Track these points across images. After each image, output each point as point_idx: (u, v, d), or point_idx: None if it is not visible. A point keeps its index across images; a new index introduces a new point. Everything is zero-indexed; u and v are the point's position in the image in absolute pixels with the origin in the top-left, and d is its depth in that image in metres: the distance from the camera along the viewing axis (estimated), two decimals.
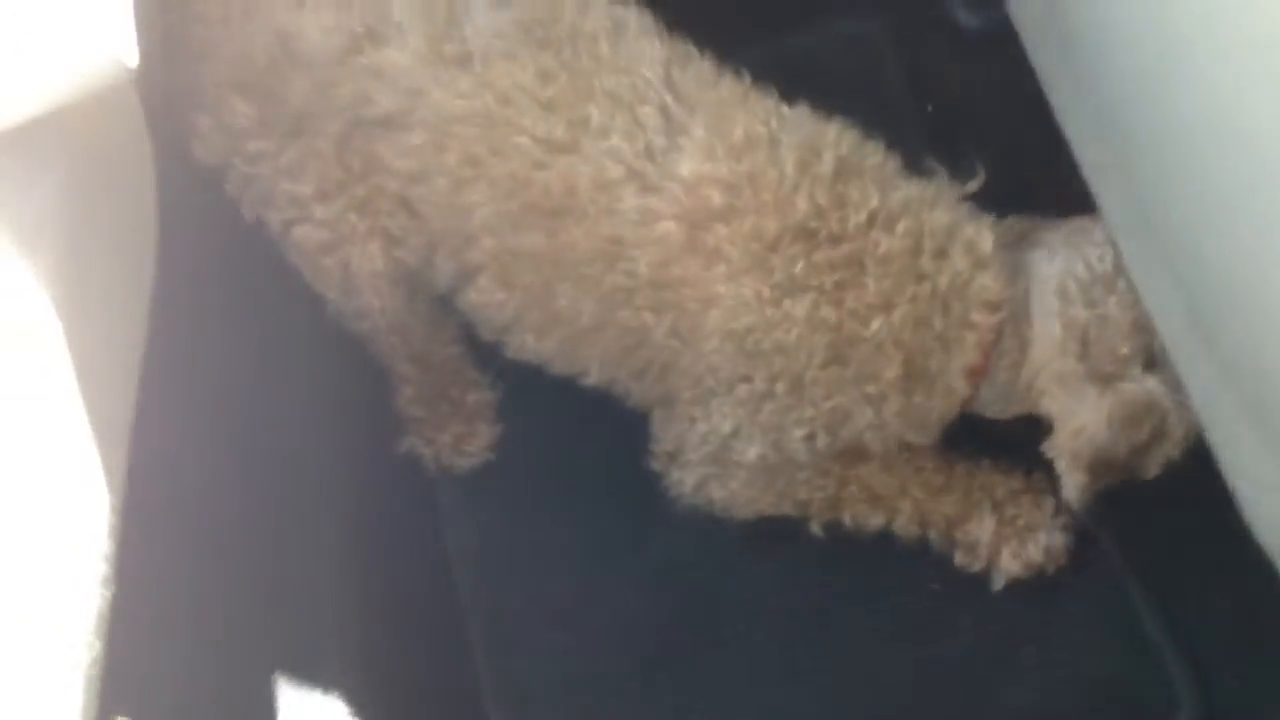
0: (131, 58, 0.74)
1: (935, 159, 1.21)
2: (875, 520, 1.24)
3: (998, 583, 1.23)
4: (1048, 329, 1.14)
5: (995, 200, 1.20)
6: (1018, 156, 1.30)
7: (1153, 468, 1.16)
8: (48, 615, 0.75)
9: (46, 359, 0.75)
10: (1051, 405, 1.16)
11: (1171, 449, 1.14)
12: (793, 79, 1.24)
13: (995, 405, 1.19)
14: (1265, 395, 0.91)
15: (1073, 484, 1.16)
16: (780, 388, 1.13)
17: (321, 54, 1.11)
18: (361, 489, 1.31)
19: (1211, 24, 0.84)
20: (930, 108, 1.46)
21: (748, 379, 1.13)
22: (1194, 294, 0.97)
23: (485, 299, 1.17)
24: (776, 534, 1.25)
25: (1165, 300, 1.05)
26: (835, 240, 1.11)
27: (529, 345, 1.20)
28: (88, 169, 0.83)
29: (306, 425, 1.31)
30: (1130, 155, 1.02)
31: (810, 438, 1.16)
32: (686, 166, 1.09)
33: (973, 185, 1.20)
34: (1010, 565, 1.22)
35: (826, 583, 1.26)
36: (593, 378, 1.21)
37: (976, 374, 1.15)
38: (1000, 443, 1.23)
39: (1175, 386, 1.09)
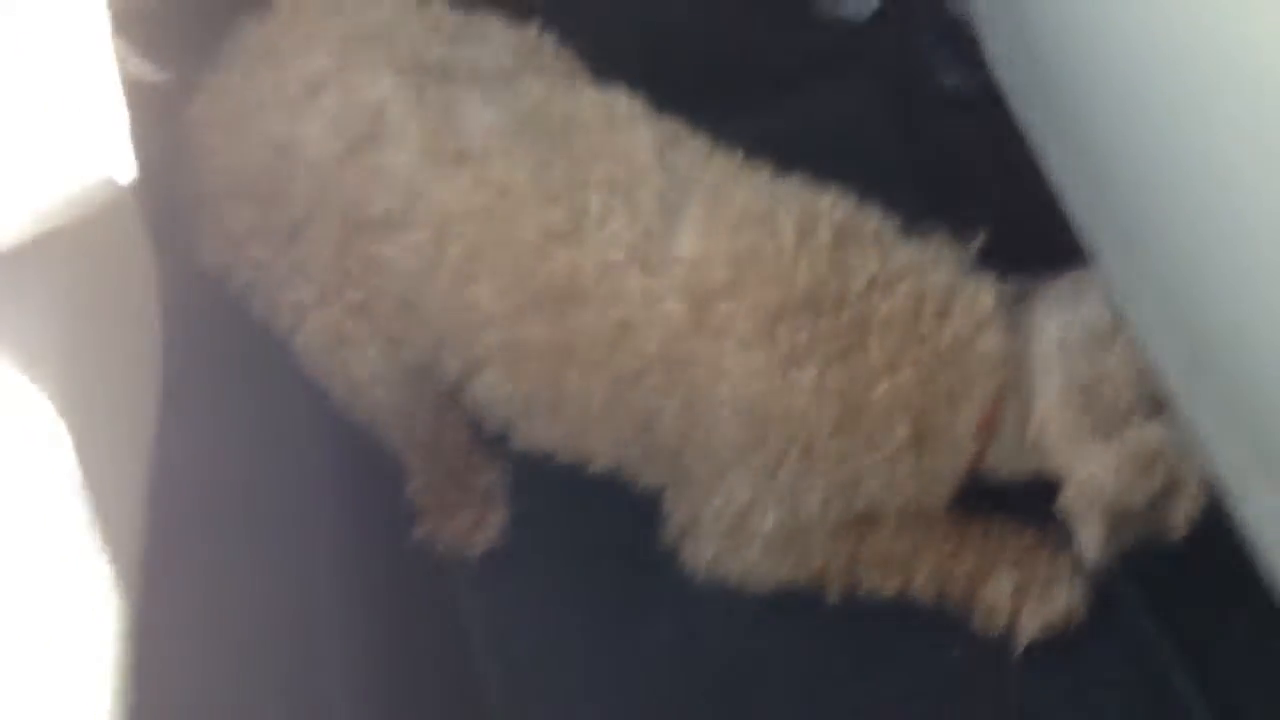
0: (127, 175, 0.75)
1: (933, 220, 1.22)
2: (891, 585, 1.22)
3: (1020, 644, 1.21)
4: (1050, 384, 1.13)
5: (990, 258, 1.20)
6: (1011, 214, 1.30)
7: (1176, 525, 1.14)
8: None
9: (51, 474, 0.75)
10: (1059, 461, 1.15)
11: (1190, 503, 1.12)
12: (784, 148, 1.24)
13: (1006, 464, 1.19)
14: (1271, 439, 0.91)
15: (1088, 539, 1.14)
16: (793, 455, 1.13)
17: (320, 158, 1.12)
18: (374, 578, 1.30)
19: (1187, 81, 0.86)
20: (921, 169, 1.47)
21: (761, 448, 1.13)
22: (1196, 342, 0.97)
23: (492, 392, 1.17)
24: (793, 604, 1.23)
25: (1167, 350, 1.04)
26: (838, 307, 1.11)
27: (538, 433, 1.20)
28: (89, 282, 0.84)
29: (318, 520, 1.31)
30: (1122, 208, 1.03)
31: (826, 503, 1.16)
32: (686, 246, 1.10)
33: (972, 245, 1.20)
34: (1030, 625, 1.21)
35: (846, 652, 1.24)
36: (602, 462, 1.21)
37: (985, 431, 1.15)
38: (1014, 501, 1.21)
39: (1182, 435, 1.08)
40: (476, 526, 1.31)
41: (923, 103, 1.52)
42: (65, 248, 0.78)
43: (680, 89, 1.25)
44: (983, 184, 1.42)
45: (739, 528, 1.19)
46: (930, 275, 1.14)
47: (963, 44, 1.26)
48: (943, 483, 1.18)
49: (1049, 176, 1.15)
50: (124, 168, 0.75)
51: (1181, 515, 1.14)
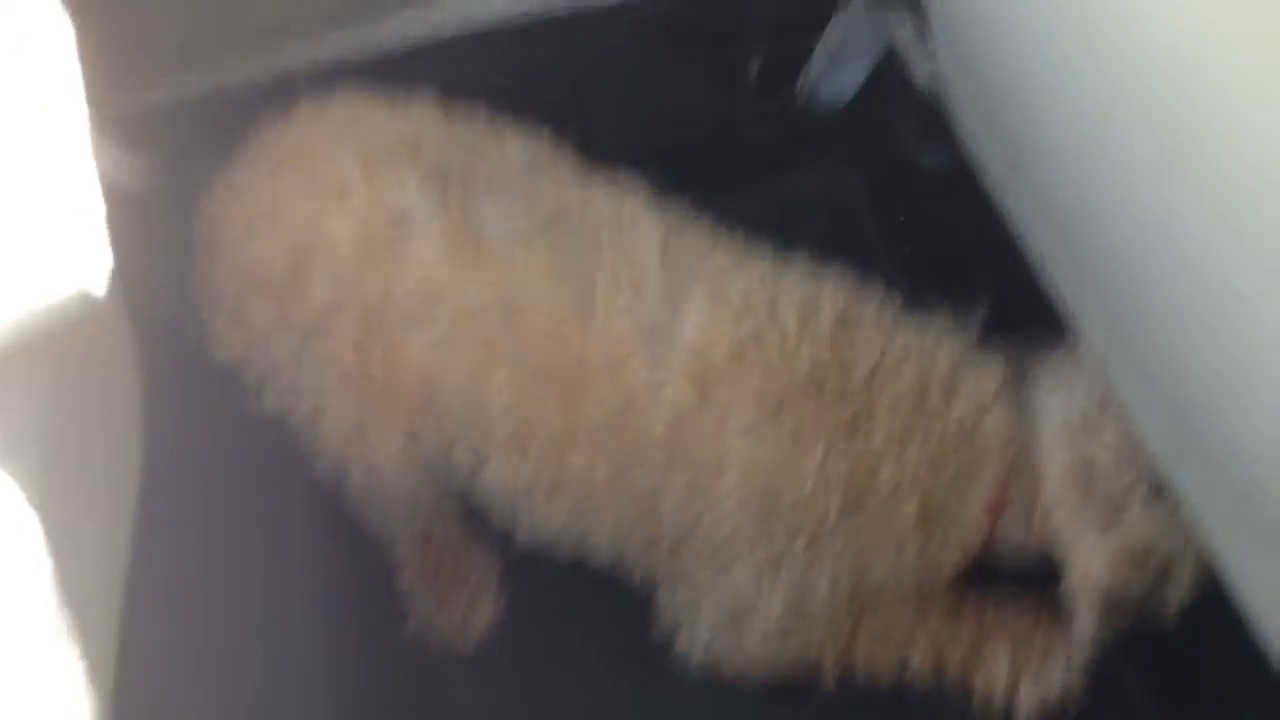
0: (104, 279, 0.75)
1: (921, 300, 1.23)
2: (888, 667, 1.21)
3: None
4: (1056, 465, 1.13)
5: (981, 332, 1.20)
6: (998, 289, 1.31)
7: (1169, 609, 1.13)
8: None
9: (29, 571, 0.75)
10: (1062, 548, 1.14)
11: (1181, 589, 1.12)
12: (766, 231, 1.25)
13: (1015, 541, 1.18)
14: (1267, 514, 0.90)
15: (1082, 627, 1.13)
16: (799, 544, 1.12)
17: (343, 256, 1.13)
18: (363, 673, 1.27)
19: (1152, 153, 0.87)
20: (907, 250, 1.49)
21: (768, 538, 1.12)
22: (1180, 414, 0.97)
23: (498, 478, 1.17)
24: (788, 693, 1.21)
25: (1156, 425, 1.04)
26: (842, 392, 1.11)
27: (540, 517, 1.18)
28: (69, 384, 0.83)
29: (305, 616, 1.28)
30: (1101, 287, 1.03)
31: (833, 590, 1.15)
32: (689, 334, 1.11)
33: (971, 323, 1.21)
34: (1028, 704, 1.19)
35: None
36: (603, 553, 1.19)
37: (995, 511, 1.15)
38: (1010, 576, 1.20)
39: (1177, 516, 1.08)
40: (469, 618, 1.30)
41: (903, 183, 1.53)
42: (46, 348, 0.78)
43: (663, 173, 1.26)
44: (969, 261, 1.43)
45: (741, 619, 1.17)
46: (933, 357, 1.15)
47: (939, 124, 1.27)
48: (951, 564, 1.17)
49: (1030, 253, 1.16)
50: (102, 269, 0.75)
51: (1174, 601, 1.13)
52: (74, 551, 0.80)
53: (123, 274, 0.90)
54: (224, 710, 1.14)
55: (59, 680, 0.73)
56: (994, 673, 1.20)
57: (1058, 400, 1.15)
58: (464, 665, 1.29)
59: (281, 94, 1.28)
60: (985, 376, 1.15)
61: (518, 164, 1.22)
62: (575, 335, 1.11)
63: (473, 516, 1.29)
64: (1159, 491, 1.11)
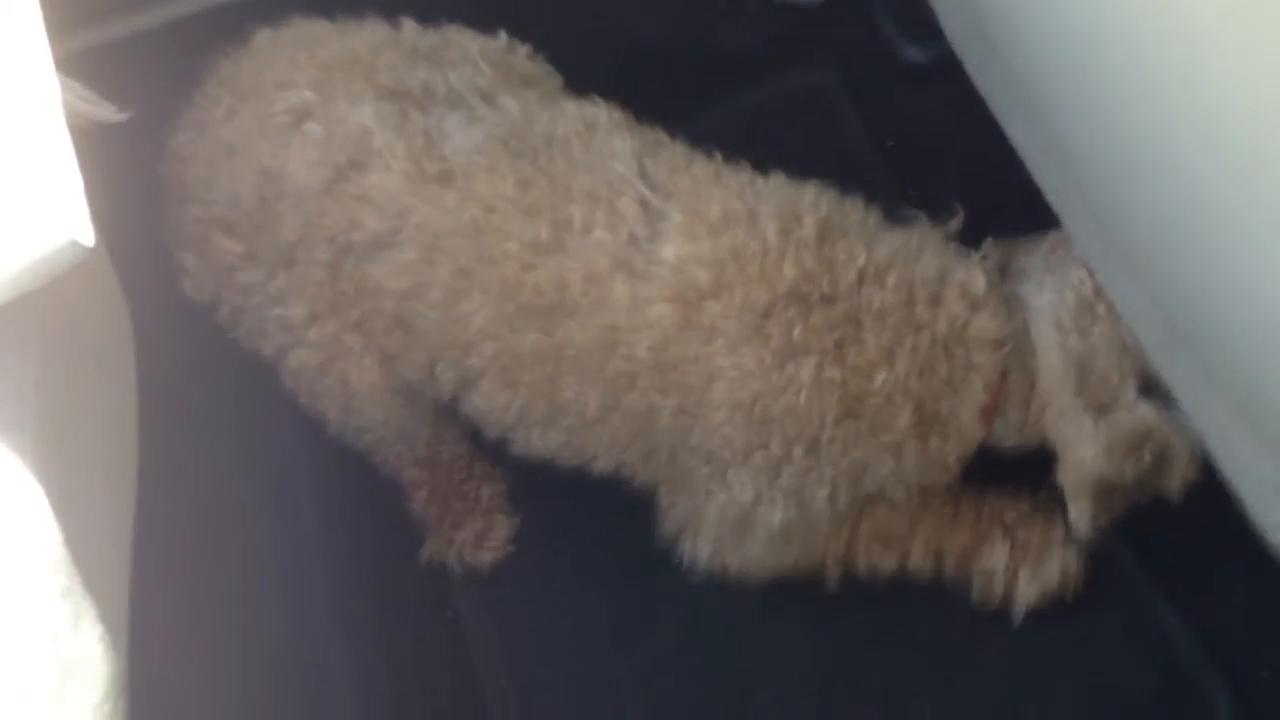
0: (88, 236, 0.74)
1: (909, 200, 1.20)
2: (889, 564, 1.22)
3: (1018, 615, 1.21)
4: (1049, 361, 1.13)
5: (966, 227, 1.20)
6: (982, 181, 1.30)
7: (1174, 489, 1.14)
8: None
9: (36, 534, 0.75)
10: (1054, 437, 1.15)
11: (1185, 470, 1.12)
12: (752, 138, 1.23)
13: (1010, 440, 1.18)
14: (1254, 401, 0.91)
15: (1079, 513, 1.15)
16: (797, 451, 1.12)
17: (308, 187, 1.11)
18: (380, 602, 1.29)
19: (1141, 54, 0.86)
20: (890, 144, 1.47)
21: (763, 446, 1.12)
22: (1169, 307, 0.97)
23: (489, 403, 1.16)
24: (793, 592, 1.22)
25: (1144, 316, 1.04)
26: (828, 301, 1.10)
27: (535, 440, 1.18)
28: (62, 342, 0.82)
29: (318, 547, 1.29)
30: (1083, 177, 1.02)
31: (833, 495, 1.15)
32: (670, 250, 1.09)
33: (954, 225, 1.19)
34: (1027, 593, 1.21)
35: (850, 635, 1.25)
36: (601, 465, 1.19)
37: (990, 413, 1.14)
38: (1006, 468, 1.20)
39: (1170, 404, 1.09)
40: (484, 535, 1.31)
41: (885, 78, 1.51)
42: (33, 309, 0.78)
43: (643, 83, 1.24)
44: (952, 154, 1.42)
45: (742, 524, 1.18)
46: (919, 263, 1.13)
47: (919, 17, 1.25)
48: (951, 464, 1.17)
49: (1014, 145, 1.15)
50: (83, 225, 0.74)
51: (1177, 482, 1.14)
52: (80, 512, 0.80)
53: (98, 215, 0.89)
54: (240, 654, 1.16)
55: (76, 641, 0.74)
56: (992, 563, 1.21)
57: (1047, 298, 1.15)
58: (476, 584, 1.30)
59: (236, 21, 1.25)
60: (972, 278, 1.14)
61: (478, 77, 1.19)
62: (552, 258, 1.09)
63: (475, 438, 1.29)
64: (1151, 383, 1.12)
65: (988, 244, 1.21)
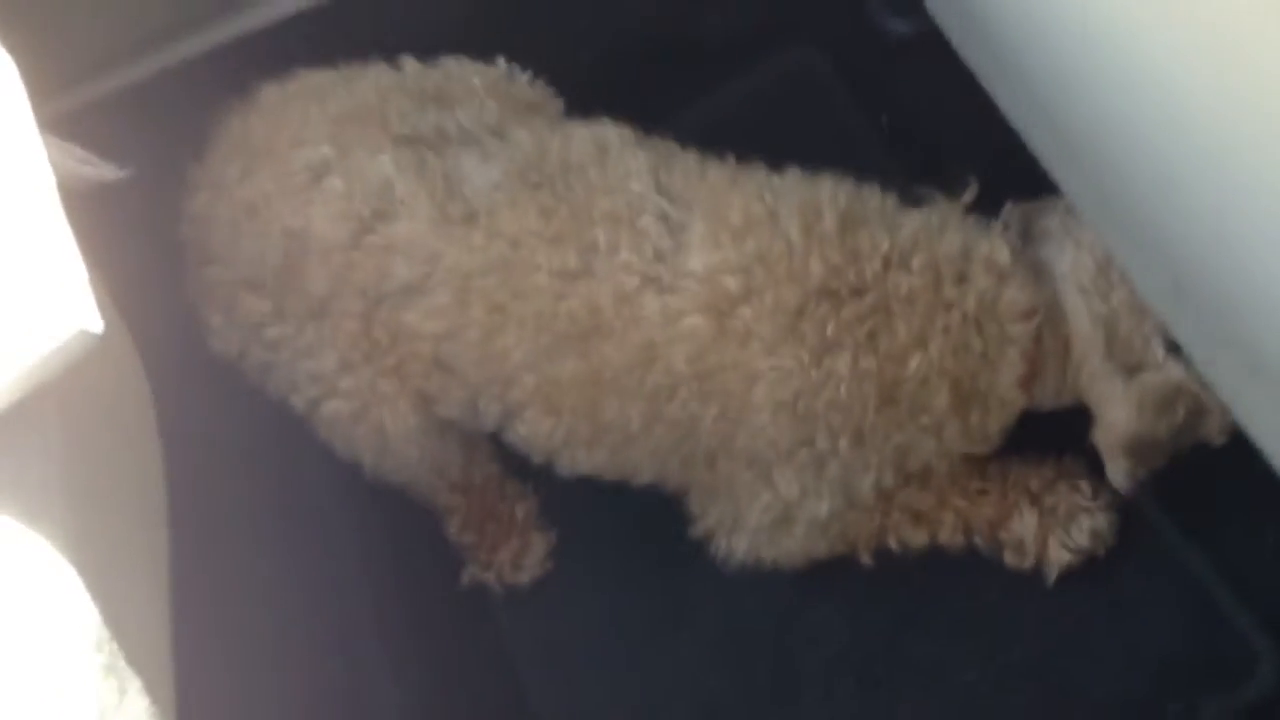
0: (96, 324, 0.75)
1: (912, 175, 1.20)
2: (920, 539, 1.22)
3: (1051, 576, 1.21)
4: (1080, 325, 1.14)
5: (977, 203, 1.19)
6: (983, 148, 1.29)
7: (1214, 437, 1.15)
8: None
9: (74, 616, 0.77)
10: (1090, 399, 1.16)
11: (1223, 417, 1.12)
12: (748, 126, 1.23)
13: (1049, 403, 1.18)
14: (1267, 355, 0.91)
15: (1118, 471, 1.15)
16: (843, 443, 1.12)
17: (334, 242, 1.12)
18: (424, 628, 1.30)
19: (1115, 17, 0.85)
20: (885, 118, 1.46)
21: (808, 443, 1.12)
22: (1175, 265, 0.97)
23: (534, 430, 1.16)
24: (828, 576, 1.23)
25: (1150, 276, 1.04)
26: (857, 293, 1.10)
27: (581, 460, 1.19)
28: (82, 420, 0.83)
29: (359, 587, 1.30)
30: (1076, 141, 1.02)
31: (878, 481, 1.16)
32: (696, 261, 1.10)
33: (968, 197, 1.18)
34: (1059, 555, 1.21)
35: (886, 613, 1.25)
36: (643, 479, 1.20)
37: (1028, 382, 1.14)
38: (1029, 434, 1.21)
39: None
40: (521, 554, 1.31)
41: (874, 53, 1.48)
42: (50, 394, 0.79)
43: (631, 79, 1.24)
44: (948, 124, 1.40)
45: (785, 521, 1.18)
46: (941, 242, 1.13)
47: None
48: (994, 435, 1.18)
49: (1006, 114, 1.14)
50: (90, 313, 0.75)
51: (1216, 429, 1.14)
52: (116, 587, 0.81)
53: (107, 280, 0.90)
54: (288, 695, 1.17)
55: (122, 716, 0.76)
56: (1022, 529, 1.21)
57: (1068, 260, 1.15)
58: (514, 598, 1.31)
59: (231, 69, 1.26)
60: (996, 251, 1.14)
61: (485, 113, 1.20)
62: (581, 284, 1.10)
63: (503, 457, 1.30)
64: (1175, 343, 1.12)
65: (1008, 209, 1.20)
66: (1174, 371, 1.11)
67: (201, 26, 1.34)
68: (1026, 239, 1.18)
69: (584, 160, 1.15)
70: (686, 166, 1.16)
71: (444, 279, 1.12)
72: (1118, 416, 1.13)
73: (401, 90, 1.20)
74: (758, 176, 1.16)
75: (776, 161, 1.19)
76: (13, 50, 0.86)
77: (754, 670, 1.26)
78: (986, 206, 1.20)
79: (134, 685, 0.79)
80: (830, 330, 1.09)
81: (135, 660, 0.79)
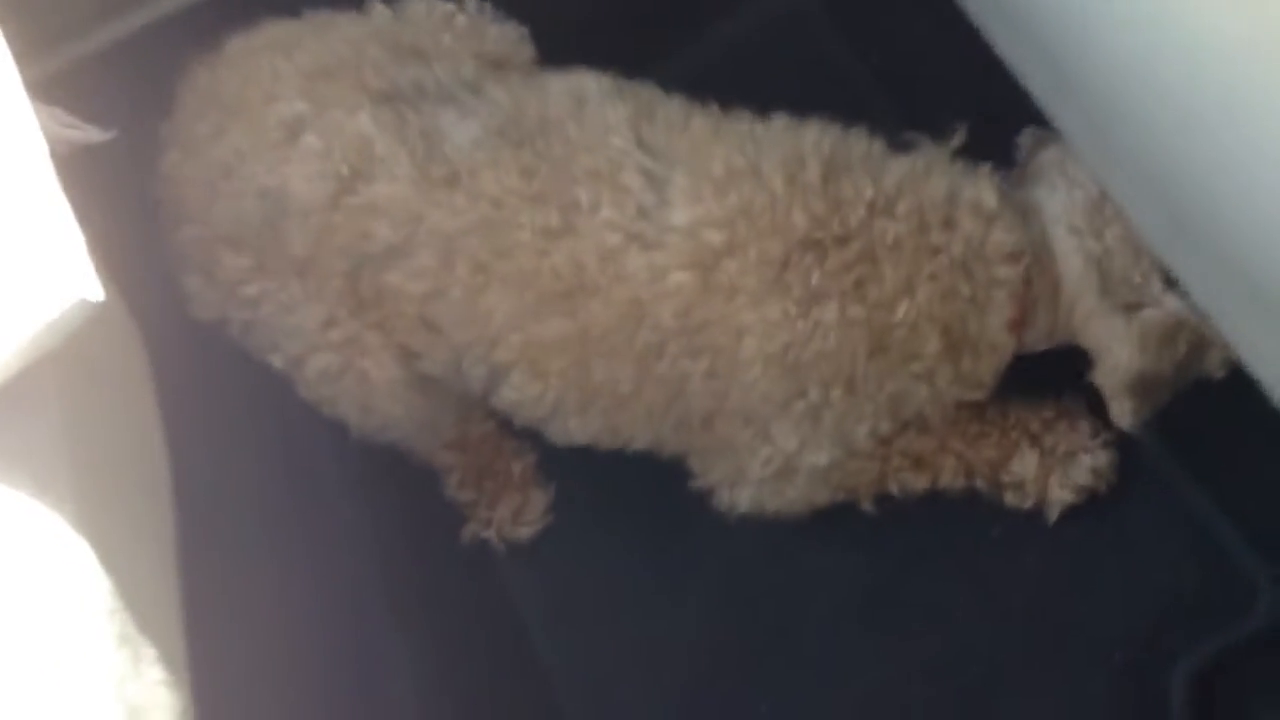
0: (96, 292, 0.74)
1: (902, 118, 1.19)
2: (921, 482, 1.22)
3: (1052, 515, 1.21)
4: (1071, 265, 1.13)
5: (968, 147, 1.17)
6: (975, 90, 1.27)
7: (1215, 369, 1.15)
8: None
9: (86, 586, 0.77)
10: (1088, 340, 1.15)
11: (1223, 350, 1.12)
12: (736, 73, 1.21)
13: (1041, 345, 1.18)
14: (1267, 288, 0.91)
15: (1123, 410, 1.15)
16: (835, 393, 1.12)
17: (313, 202, 1.10)
18: (428, 587, 1.30)
19: None
20: (875, 61, 1.44)
21: (801, 395, 1.12)
22: (1172, 201, 0.97)
23: (521, 394, 1.16)
24: (830, 523, 1.23)
25: (1147, 213, 1.04)
26: (842, 242, 1.09)
27: (573, 429, 1.18)
28: (84, 390, 0.83)
29: (361, 548, 1.30)
30: (1071, 78, 1.01)
31: (873, 429, 1.16)
32: (679, 215, 1.09)
33: (956, 142, 1.17)
34: (1060, 494, 1.21)
35: (889, 557, 1.25)
36: (638, 445, 1.19)
37: (1018, 325, 1.14)
38: (1026, 374, 1.20)
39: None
40: (522, 509, 1.31)
41: None
42: (52, 364, 0.78)
43: (615, 28, 1.22)
44: (941, 67, 1.38)
45: (786, 471, 1.18)
46: (927, 187, 1.12)
47: None
48: (987, 380, 1.17)
49: (1004, 59, 1.13)
50: (90, 281, 0.74)
51: (1217, 362, 1.15)
52: (126, 556, 0.81)
53: (99, 246, 0.89)
54: (295, 657, 1.17)
55: (139, 685, 0.76)
56: (1022, 469, 1.21)
57: (1058, 201, 1.14)
58: (524, 556, 1.31)
59: (208, 24, 1.24)
60: (983, 194, 1.12)
61: (460, 64, 1.18)
62: (564, 242, 1.09)
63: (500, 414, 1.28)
64: (1172, 277, 1.12)
65: (1028, 131, 1.20)
66: (1173, 305, 1.11)
67: None
68: (1014, 186, 1.17)
69: (562, 115, 1.13)
70: (669, 116, 1.14)
71: (426, 240, 1.11)
72: (1120, 355, 1.12)
73: (375, 40, 1.18)
74: (741, 126, 1.15)
75: (765, 106, 1.18)
76: None
77: (760, 620, 1.26)
78: (977, 150, 1.18)
79: (148, 654, 0.79)
80: (816, 280, 1.09)
81: (147, 629, 0.79)
